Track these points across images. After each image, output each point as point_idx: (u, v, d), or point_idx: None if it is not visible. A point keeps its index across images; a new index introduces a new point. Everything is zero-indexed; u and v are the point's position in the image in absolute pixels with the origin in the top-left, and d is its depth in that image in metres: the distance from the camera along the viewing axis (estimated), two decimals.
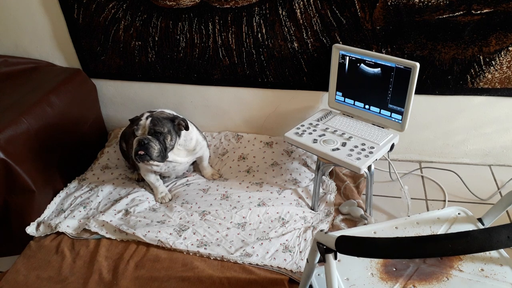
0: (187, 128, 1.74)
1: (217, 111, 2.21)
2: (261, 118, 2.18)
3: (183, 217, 1.77)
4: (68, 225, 1.75)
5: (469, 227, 1.18)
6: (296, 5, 1.77)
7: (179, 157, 1.82)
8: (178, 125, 1.72)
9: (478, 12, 1.63)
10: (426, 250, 0.77)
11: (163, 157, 1.69)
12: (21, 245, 1.72)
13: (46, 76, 2.07)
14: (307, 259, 1.15)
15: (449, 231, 1.17)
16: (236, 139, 2.21)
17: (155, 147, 1.65)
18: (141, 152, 1.64)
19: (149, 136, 1.65)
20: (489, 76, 1.78)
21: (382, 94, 1.71)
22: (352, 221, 1.74)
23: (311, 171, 2.00)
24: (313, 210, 1.79)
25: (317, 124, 1.80)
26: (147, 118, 1.67)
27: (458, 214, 1.23)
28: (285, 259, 1.56)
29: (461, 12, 1.65)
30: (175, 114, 1.81)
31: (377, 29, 1.75)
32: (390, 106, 1.71)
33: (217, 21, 1.89)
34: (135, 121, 1.71)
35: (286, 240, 1.64)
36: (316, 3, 1.75)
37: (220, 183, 1.97)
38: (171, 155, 1.76)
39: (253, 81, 2.04)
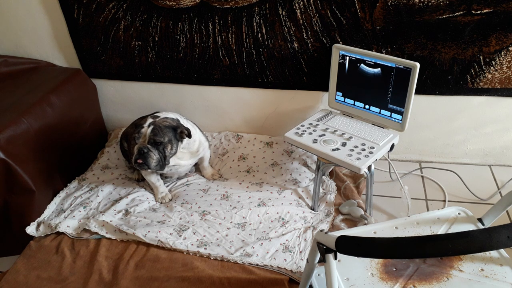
0: (189, 136, 1.72)
1: (217, 111, 2.21)
2: (261, 118, 2.17)
3: (183, 217, 1.77)
4: (68, 225, 1.75)
5: (469, 227, 1.18)
6: (296, 5, 1.77)
7: (182, 160, 1.81)
8: (181, 133, 1.70)
9: (478, 12, 1.63)
10: (426, 250, 0.77)
11: (161, 166, 1.68)
12: (21, 245, 1.72)
13: (46, 76, 2.07)
14: (307, 259, 1.15)
15: (449, 231, 1.17)
16: (236, 139, 2.21)
17: (154, 157, 1.64)
18: (140, 161, 1.64)
19: (149, 146, 1.64)
20: (489, 76, 1.78)
21: (382, 94, 1.71)
22: (352, 221, 1.74)
23: (311, 171, 2.00)
24: (313, 210, 1.79)
25: (317, 124, 1.80)
26: (149, 125, 1.65)
27: (458, 214, 1.23)
28: (285, 259, 1.56)
29: (461, 12, 1.65)
30: (178, 120, 1.77)
31: (377, 29, 1.75)
32: (390, 106, 1.71)
33: (217, 21, 1.89)
34: (137, 127, 1.69)
35: (286, 240, 1.64)
36: (316, 3, 1.75)
37: (220, 183, 1.97)
38: (174, 160, 1.75)
39: (253, 81, 2.04)
